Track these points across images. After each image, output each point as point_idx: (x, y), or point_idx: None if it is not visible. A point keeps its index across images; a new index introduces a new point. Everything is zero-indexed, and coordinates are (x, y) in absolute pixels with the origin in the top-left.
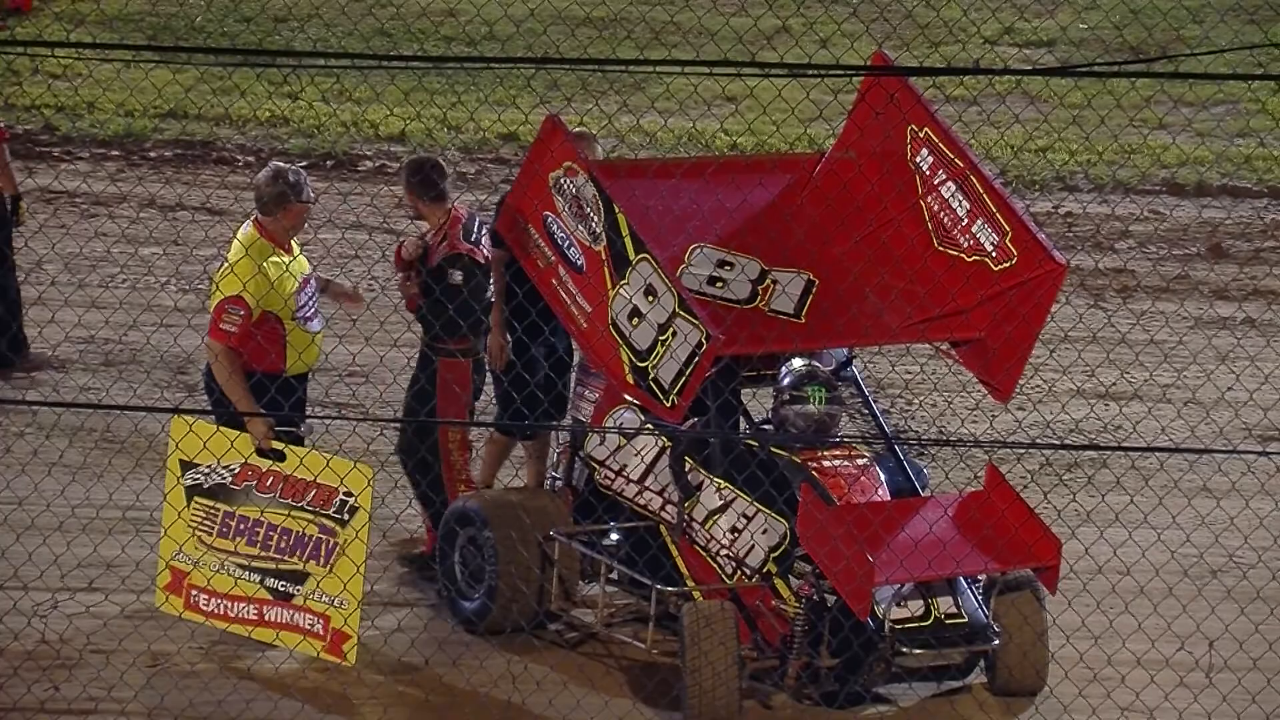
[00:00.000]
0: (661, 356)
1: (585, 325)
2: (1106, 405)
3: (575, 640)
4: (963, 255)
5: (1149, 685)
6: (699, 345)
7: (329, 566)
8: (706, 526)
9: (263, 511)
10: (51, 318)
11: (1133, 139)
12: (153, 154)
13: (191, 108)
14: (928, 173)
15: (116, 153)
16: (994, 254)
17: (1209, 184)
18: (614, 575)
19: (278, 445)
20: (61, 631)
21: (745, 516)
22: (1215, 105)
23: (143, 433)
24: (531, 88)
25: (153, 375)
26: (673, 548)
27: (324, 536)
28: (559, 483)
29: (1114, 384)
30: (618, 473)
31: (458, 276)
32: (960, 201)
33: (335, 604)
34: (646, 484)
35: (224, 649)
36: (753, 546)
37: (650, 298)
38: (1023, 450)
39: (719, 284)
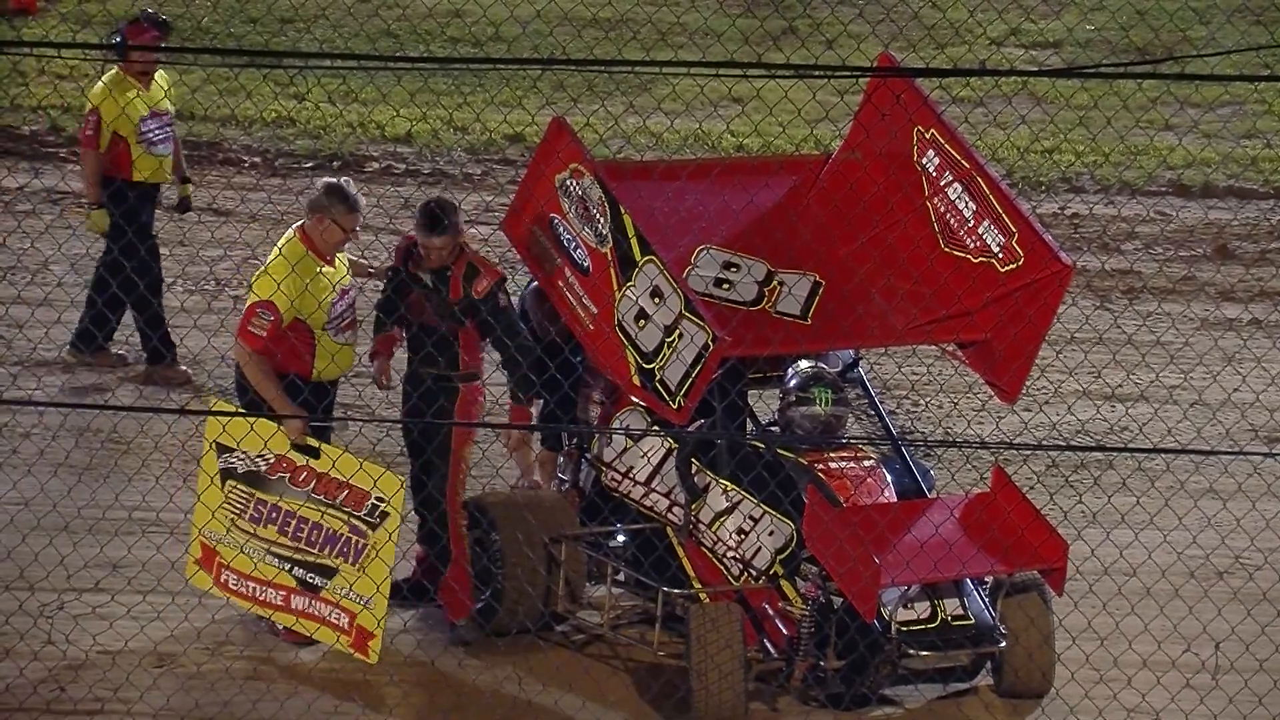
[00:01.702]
0: (668, 358)
1: (591, 327)
2: (1113, 406)
3: (581, 642)
4: (969, 256)
5: (1155, 687)
6: (705, 347)
7: (359, 566)
8: (713, 528)
9: (296, 505)
10: (58, 318)
11: (1139, 140)
12: None
13: (198, 108)
14: (934, 174)
15: None
16: (1000, 255)
17: (1215, 185)
18: (620, 577)
19: (313, 442)
20: (68, 632)
21: (751, 518)
22: (1221, 106)
23: (149, 434)
24: (538, 89)
25: (158, 376)
26: (679, 549)
27: (354, 536)
28: (565, 484)
29: (1120, 385)
30: (624, 474)
31: (504, 298)
32: (966, 203)
33: (364, 604)
34: (653, 486)
35: (230, 649)
36: (759, 548)
37: (656, 299)
38: (1029, 451)
39: (725, 285)
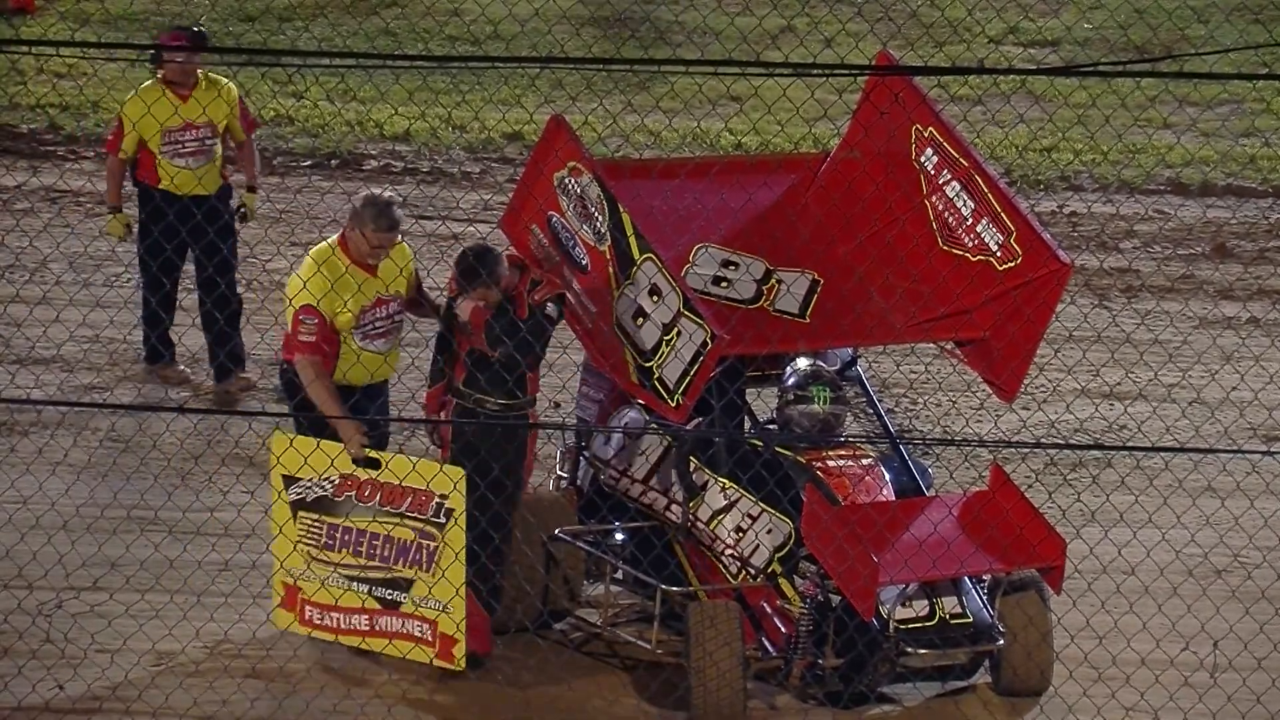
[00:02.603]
0: (666, 356)
1: (590, 325)
2: (1111, 405)
3: (580, 640)
4: (967, 255)
5: (1154, 685)
6: (704, 345)
7: (432, 571)
8: (711, 526)
9: (365, 521)
10: (56, 317)
11: (1137, 139)
12: None
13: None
14: (932, 172)
15: None
16: (999, 253)
17: (1213, 184)
18: (619, 575)
19: (372, 454)
20: (66, 630)
21: (750, 516)
22: (1220, 105)
23: (147, 432)
24: (536, 87)
25: (158, 374)
26: (677, 548)
27: (424, 541)
28: (564, 483)
29: (1118, 384)
30: (623, 473)
31: (554, 311)
32: (965, 201)
33: (443, 609)
34: (651, 484)
35: (228, 648)
36: (757, 546)
37: (655, 297)
38: (1027, 450)
39: (724, 284)
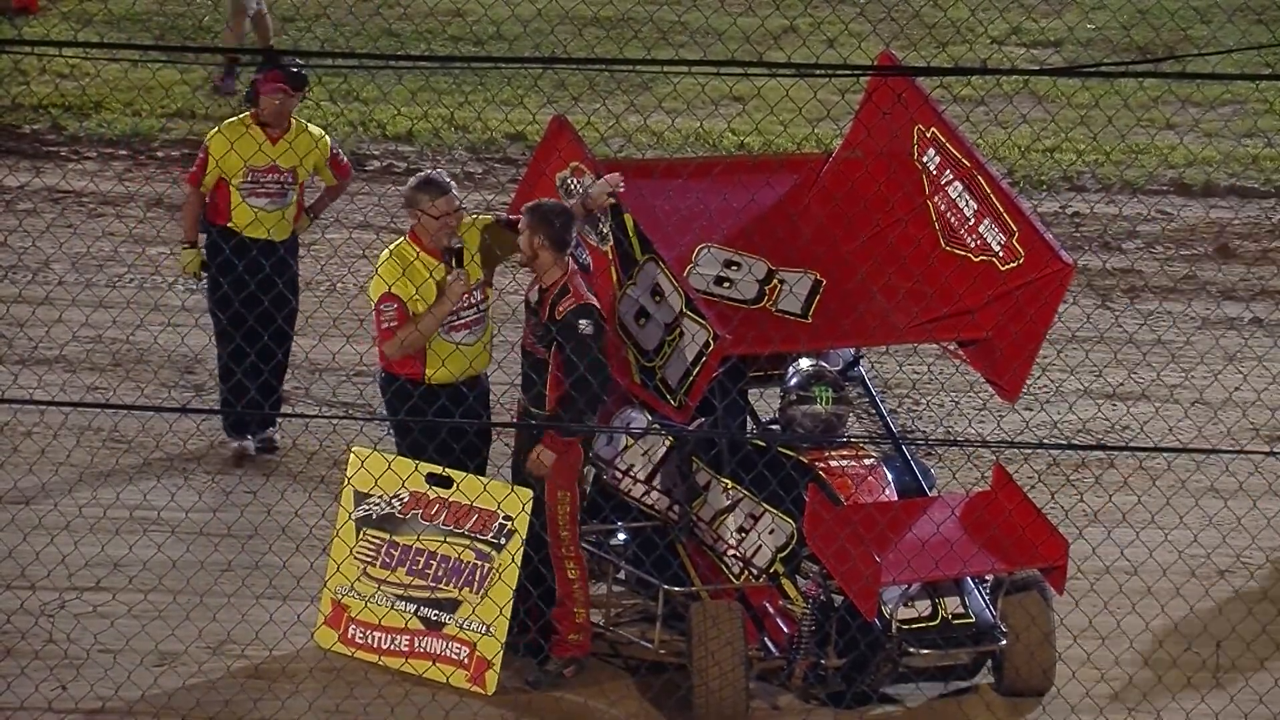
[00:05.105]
0: (669, 356)
1: None
2: (1114, 405)
3: None
4: (970, 255)
5: (1156, 685)
6: (706, 345)
7: (482, 593)
8: (714, 526)
9: (422, 538)
10: (59, 317)
11: (1140, 139)
12: (160, 153)
13: (199, 107)
14: (935, 172)
15: (124, 152)
16: (1001, 254)
17: (1216, 184)
18: (621, 575)
19: (447, 472)
20: (69, 631)
21: (752, 516)
22: (1222, 105)
23: (150, 432)
24: (538, 87)
25: (160, 375)
26: (680, 548)
27: (479, 562)
28: None
29: (1121, 384)
30: (625, 473)
31: (586, 326)
32: (967, 201)
33: (485, 632)
34: (653, 484)
35: (232, 648)
36: (760, 546)
37: (657, 298)
38: (1030, 450)
39: (726, 284)
